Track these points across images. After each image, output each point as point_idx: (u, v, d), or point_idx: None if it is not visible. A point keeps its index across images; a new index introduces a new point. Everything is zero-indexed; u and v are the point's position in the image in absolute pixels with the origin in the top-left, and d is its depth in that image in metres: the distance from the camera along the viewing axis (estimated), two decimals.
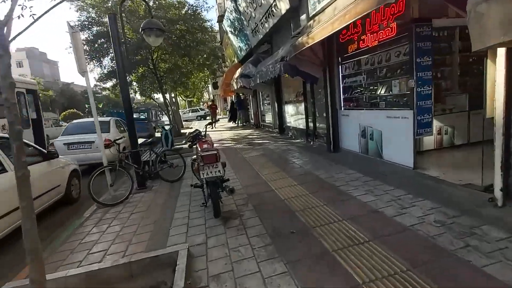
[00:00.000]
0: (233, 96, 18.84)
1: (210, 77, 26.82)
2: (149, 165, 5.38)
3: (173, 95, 16.20)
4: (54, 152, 4.52)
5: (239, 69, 10.78)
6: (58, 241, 3.36)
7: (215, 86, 27.98)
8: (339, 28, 3.62)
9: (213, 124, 15.72)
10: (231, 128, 15.18)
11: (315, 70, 5.84)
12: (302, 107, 8.05)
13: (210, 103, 16.98)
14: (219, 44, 20.57)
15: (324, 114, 6.24)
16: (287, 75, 9.18)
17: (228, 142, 9.89)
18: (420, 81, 3.81)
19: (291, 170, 5.10)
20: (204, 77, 22.10)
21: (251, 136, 10.68)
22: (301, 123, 8.35)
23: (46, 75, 57.76)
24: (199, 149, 3.80)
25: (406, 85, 4.09)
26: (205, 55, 17.90)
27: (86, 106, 40.86)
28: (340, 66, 5.72)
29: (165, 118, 16.17)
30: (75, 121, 8.31)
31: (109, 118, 8.41)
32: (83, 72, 4.38)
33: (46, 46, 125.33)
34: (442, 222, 2.61)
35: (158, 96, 15.54)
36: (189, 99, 34.28)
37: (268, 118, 12.26)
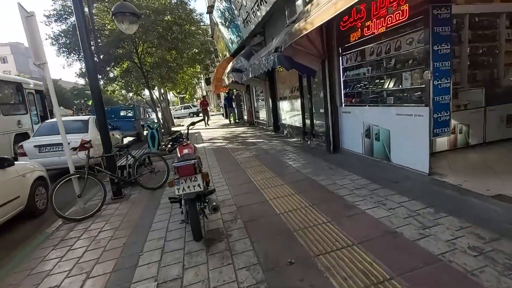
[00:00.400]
0: (226, 92, 18.18)
1: (203, 73, 26.13)
2: (127, 171, 4.75)
3: (162, 91, 15.44)
4: (8, 159, 3.85)
5: (231, 63, 10.12)
6: (6, 268, 2.74)
7: (208, 82, 27.26)
8: (344, 9, 3.02)
9: (206, 122, 15.05)
10: (224, 126, 14.54)
11: (312, 62, 5.25)
12: (298, 103, 7.48)
13: (201, 99, 16.28)
14: (210, 38, 19.83)
15: (323, 111, 5.68)
16: (281, 69, 8.63)
17: (219, 141, 9.27)
18: (437, 73, 3.26)
19: (288, 175, 4.53)
20: (195, 72, 21.40)
21: (244, 135, 10.08)
22: (297, 121, 7.77)
23: (32, 71, 55.89)
24: (178, 155, 3.20)
25: (420, 78, 3.53)
26: (195, 50, 17.18)
27: (75, 103, 39.60)
28: (340, 58, 5.14)
29: (155, 116, 15.44)
30: (49, 120, 7.59)
31: (89, 116, 7.70)
32: (41, 64, 3.71)
33: None
34: (479, 250, 2.07)
35: (146, 93, 14.81)
36: (181, 96, 33.42)
37: (262, 115, 11.66)
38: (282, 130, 9.10)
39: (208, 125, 15.09)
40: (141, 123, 13.57)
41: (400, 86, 3.87)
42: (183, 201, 2.72)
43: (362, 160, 4.69)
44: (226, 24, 10.73)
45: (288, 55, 5.08)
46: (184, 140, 3.60)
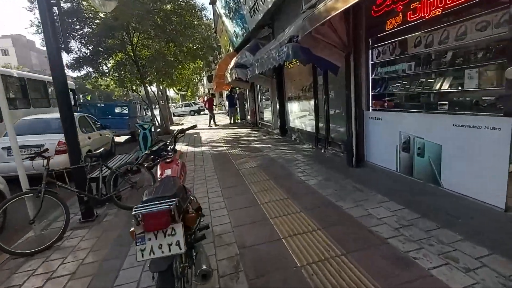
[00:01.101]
0: (228, 90, 17.24)
1: (205, 70, 25.20)
2: (103, 186, 3.80)
3: (161, 87, 14.51)
4: None
5: (234, 58, 9.16)
6: None
7: (210, 80, 26.34)
8: None
9: (212, 122, 14.04)
10: (225, 126, 13.59)
11: (335, 55, 4.28)
12: (311, 105, 6.52)
13: (207, 97, 15.01)
14: (213, 33, 18.85)
15: (342, 115, 4.73)
16: (291, 65, 7.66)
17: (220, 144, 8.32)
18: None
19: (303, 196, 3.58)
20: (197, 68, 20.43)
21: (247, 138, 9.12)
22: (308, 125, 6.81)
23: (34, 65, 55.11)
24: (158, 177, 2.28)
25: (496, 77, 2.57)
26: (197, 45, 16.22)
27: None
28: (370, 51, 4.17)
29: (155, 113, 14.53)
30: (26, 117, 6.68)
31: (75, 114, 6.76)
32: None
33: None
34: None
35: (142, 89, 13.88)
36: (183, 93, 32.49)
37: (267, 116, 10.70)
38: (290, 134, 8.14)
39: (217, 125, 14.04)
40: (138, 121, 12.69)
41: (461, 88, 2.91)
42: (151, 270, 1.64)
43: (396, 180, 3.73)
44: (230, 15, 9.76)
45: (306, 46, 4.12)
46: (169, 153, 2.65)
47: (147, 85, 11.22)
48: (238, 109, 15.53)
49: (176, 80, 13.91)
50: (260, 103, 11.64)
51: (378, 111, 4.19)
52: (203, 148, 7.96)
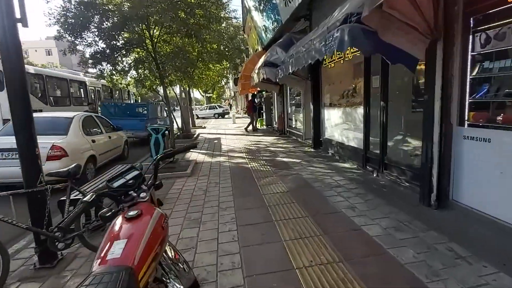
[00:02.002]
0: (256, 93, 16.16)
1: (232, 72, 24.44)
2: (71, 219, 2.73)
3: (183, 88, 13.75)
4: None
5: (263, 56, 8.00)
6: None
7: (236, 82, 25.58)
8: None
9: (252, 126, 12.93)
10: (249, 133, 12.44)
11: (414, 43, 2.90)
12: (358, 113, 5.12)
13: (248, 99, 13.37)
14: (241, 31, 17.97)
15: (412, 129, 3.31)
16: (332, 64, 6.23)
17: (241, 155, 7.14)
18: None
19: (368, 264, 2.23)
20: (223, 69, 19.66)
21: (273, 148, 7.86)
22: (353, 139, 5.40)
23: (74, 65, 58.49)
24: (96, 261, 1.08)
25: None
26: (224, 43, 15.33)
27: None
28: (471, 36, 2.75)
29: (176, 114, 13.79)
30: None
31: (77, 114, 5.97)
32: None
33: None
34: None
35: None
36: (208, 95, 32.13)
37: (297, 124, 9.38)
38: (325, 147, 6.75)
39: (256, 130, 12.91)
40: (158, 122, 11.96)
41: None
42: None
43: None
44: (261, 7, 8.63)
45: (370, 29, 2.80)
46: (142, 195, 1.47)
47: (167, 85, 10.41)
48: (264, 114, 14.34)
49: (198, 81, 13.06)
50: (289, 108, 10.35)
51: (480, 128, 2.74)
52: (222, 158, 6.82)
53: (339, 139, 6.01)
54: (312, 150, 7.08)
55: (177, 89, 13.93)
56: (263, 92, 16.70)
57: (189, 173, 5.39)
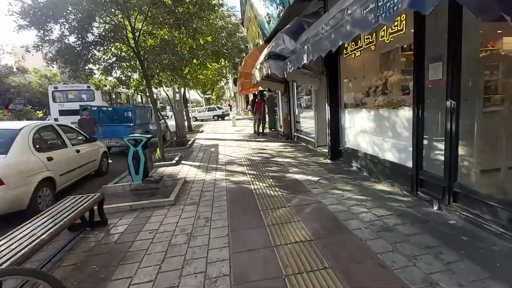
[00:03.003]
0: (257, 92, 14.86)
1: (231, 72, 23.15)
2: None
3: (177, 88, 12.41)
4: None
5: (266, 49, 6.66)
6: None
7: (236, 83, 24.28)
8: None
9: (259, 128, 11.51)
10: (251, 137, 11.07)
11: None
12: (401, 116, 3.75)
13: (258, 97, 11.79)
14: (241, 32, 16.71)
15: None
16: (366, 48, 4.51)
17: (242, 169, 5.78)
18: None
19: None
20: (220, 69, 18.34)
21: (281, 159, 6.49)
22: (392, 151, 4.02)
23: None
24: None
25: None
26: (223, 40, 14.03)
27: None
28: None
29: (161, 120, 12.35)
30: None
31: (25, 124, 4.61)
32: None
33: None
34: None
35: (158, 90, 11.85)
36: (207, 96, 30.83)
37: (308, 127, 8.01)
38: (347, 159, 5.38)
39: (260, 134, 11.50)
40: (150, 127, 10.64)
41: None
42: None
43: None
44: None
45: None
46: None
47: (156, 85, 9.09)
48: (267, 115, 12.96)
49: (192, 80, 11.75)
50: (296, 110, 8.98)
51: None
52: (218, 175, 5.47)
53: (368, 149, 4.63)
54: (329, 162, 5.71)
55: (169, 91, 12.59)
56: (265, 92, 15.36)
57: (173, 201, 4.04)
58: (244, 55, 15.70)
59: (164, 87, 10.27)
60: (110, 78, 8.36)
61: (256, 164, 6.16)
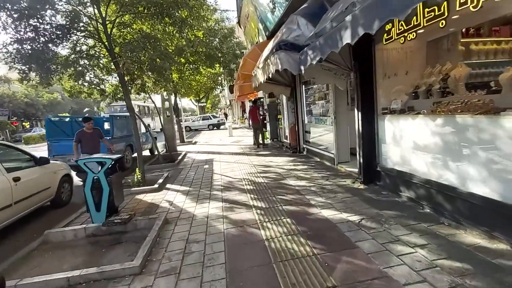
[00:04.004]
0: (251, 100, 13.53)
1: (227, 79, 21.84)
2: None
3: (166, 95, 10.94)
4: None
5: (273, 39, 5.26)
6: None
7: (231, 90, 22.97)
8: None
9: (256, 140, 10.04)
10: (251, 150, 9.59)
11: None
12: (505, 127, 2.31)
13: (251, 105, 10.38)
14: (237, 37, 15.54)
15: None
16: (402, 37, 3.19)
17: (243, 200, 4.26)
18: None
19: None
20: (215, 75, 17.01)
21: (293, 182, 5.00)
22: (480, 180, 2.56)
23: None
24: None
25: None
26: (217, 42, 12.75)
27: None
28: None
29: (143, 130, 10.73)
30: None
31: None
32: None
33: None
34: None
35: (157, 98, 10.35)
36: (201, 104, 29.45)
37: (322, 139, 6.56)
38: (391, 185, 3.91)
39: (260, 145, 10.08)
40: (130, 142, 9.05)
41: None
42: None
43: None
44: None
45: None
46: None
47: (138, 91, 7.61)
48: (268, 124, 11.55)
49: (182, 87, 10.32)
50: (305, 117, 7.56)
51: None
52: (212, 208, 3.95)
53: (431, 174, 3.16)
54: (362, 187, 4.24)
55: (157, 98, 11.11)
56: (262, 99, 13.95)
57: (138, 268, 2.51)
58: (240, 61, 14.41)
59: (149, 93, 8.78)
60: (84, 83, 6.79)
61: (262, 190, 4.66)
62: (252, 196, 4.37)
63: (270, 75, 4.70)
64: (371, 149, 4.19)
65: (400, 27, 3.38)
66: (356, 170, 4.84)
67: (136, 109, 22.31)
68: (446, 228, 2.73)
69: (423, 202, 3.24)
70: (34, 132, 29.30)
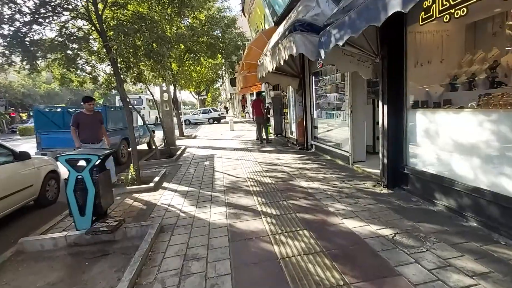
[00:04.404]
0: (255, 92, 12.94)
1: (228, 72, 21.18)
2: None
3: (164, 86, 10.34)
4: None
5: (282, 25, 4.66)
6: None
7: (233, 83, 22.37)
8: None
9: (260, 135, 9.51)
10: (254, 146, 9.04)
11: None
12: None
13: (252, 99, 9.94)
14: (239, 27, 14.89)
15: None
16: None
17: (250, 204, 3.73)
18: None
19: None
20: (216, 66, 16.39)
21: (305, 184, 4.46)
22: None
23: None
24: None
25: None
26: (220, 30, 12.18)
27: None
28: None
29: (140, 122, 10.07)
30: None
31: None
32: None
33: None
34: None
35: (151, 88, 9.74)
36: (202, 97, 28.80)
37: (333, 136, 6.02)
38: (423, 190, 3.38)
39: (268, 141, 9.53)
40: (126, 135, 8.50)
41: None
42: None
43: None
44: None
45: None
46: None
47: (133, 80, 7.01)
48: (270, 119, 10.98)
49: (182, 78, 9.75)
50: (314, 111, 7.00)
51: None
52: (214, 214, 3.42)
53: (482, 182, 2.62)
54: (385, 191, 3.71)
55: (155, 89, 10.50)
56: (263, 93, 13.34)
57: None
58: (242, 52, 13.80)
59: (146, 83, 8.18)
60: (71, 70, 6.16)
61: (270, 192, 4.13)
62: (259, 199, 3.85)
63: (282, 62, 4.12)
64: (398, 148, 3.65)
65: (445, 2, 2.80)
66: (376, 171, 4.31)
67: (146, 103, 21.71)
68: (505, 248, 2.21)
69: (467, 214, 2.71)
70: (32, 123, 28.72)
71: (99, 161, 3.39)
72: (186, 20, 10.06)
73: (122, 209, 3.96)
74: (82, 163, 3.35)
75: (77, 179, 3.24)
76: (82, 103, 5.09)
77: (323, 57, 3.20)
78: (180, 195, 4.42)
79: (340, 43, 2.69)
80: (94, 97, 5.40)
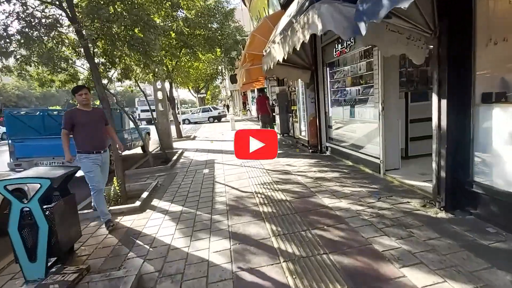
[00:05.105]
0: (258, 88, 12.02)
1: (227, 68, 20.14)
2: None
3: (159, 84, 9.39)
4: None
5: (294, 3, 3.68)
6: None
7: (233, 80, 21.39)
8: None
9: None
10: None
11: None
12: None
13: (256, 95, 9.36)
14: (238, 21, 14.02)
15: None
16: None
17: (260, 237, 2.77)
18: None
19: None
20: (214, 61, 15.40)
21: (330, 203, 3.51)
22: None
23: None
24: None
25: None
26: (217, 21, 11.29)
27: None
28: None
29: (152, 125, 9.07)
30: None
31: None
32: None
33: None
34: None
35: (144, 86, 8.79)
36: (201, 95, 27.81)
37: (356, 137, 5.04)
38: (504, 219, 2.42)
39: None
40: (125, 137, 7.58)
41: None
42: None
43: None
44: None
45: None
46: None
47: (120, 76, 6.06)
48: (275, 117, 10.02)
49: (179, 75, 8.83)
50: (329, 109, 6.03)
51: None
52: (215, 252, 2.48)
53: None
54: (445, 215, 2.76)
55: (147, 88, 9.58)
56: (265, 90, 12.35)
57: None
58: (241, 47, 12.82)
59: (136, 80, 7.22)
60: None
61: (287, 215, 3.18)
62: (273, 228, 2.91)
63: (298, 46, 3.15)
64: (461, 157, 2.69)
65: None
66: (418, 183, 3.37)
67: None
68: None
69: None
70: None
71: (54, 185, 2.48)
72: (181, 11, 9.13)
73: (95, 242, 3.04)
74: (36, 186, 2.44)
75: (22, 211, 2.33)
76: (72, 96, 3.69)
77: (363, 33, 2.23)
78: (171, 218, 3.49)
79: (403, 4, 1.72)
80: (86, 86, 3.92)
